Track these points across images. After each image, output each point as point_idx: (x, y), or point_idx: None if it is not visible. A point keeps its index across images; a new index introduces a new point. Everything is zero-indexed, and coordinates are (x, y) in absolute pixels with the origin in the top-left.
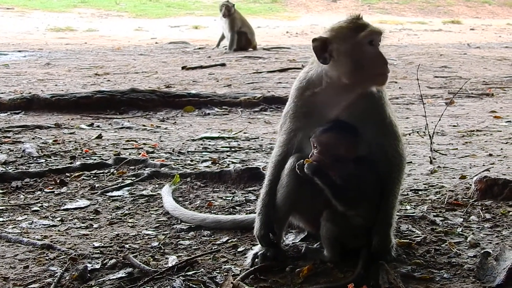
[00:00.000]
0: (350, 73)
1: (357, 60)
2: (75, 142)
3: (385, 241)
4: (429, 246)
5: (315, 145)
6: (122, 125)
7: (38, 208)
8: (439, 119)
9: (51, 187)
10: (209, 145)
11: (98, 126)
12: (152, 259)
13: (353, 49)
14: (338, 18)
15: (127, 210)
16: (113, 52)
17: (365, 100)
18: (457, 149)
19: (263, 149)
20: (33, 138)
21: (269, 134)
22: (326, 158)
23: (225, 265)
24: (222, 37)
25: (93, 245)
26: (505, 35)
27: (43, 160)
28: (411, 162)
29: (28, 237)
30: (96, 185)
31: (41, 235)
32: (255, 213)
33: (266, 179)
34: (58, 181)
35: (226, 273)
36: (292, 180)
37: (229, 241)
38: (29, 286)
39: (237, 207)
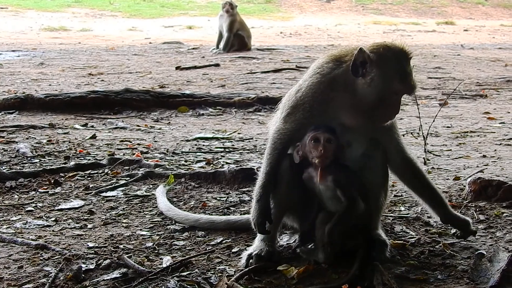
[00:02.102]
0: (366, 99)
1: (379, 98)
2: (69, 142)
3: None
4: (423, 247)
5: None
6: (116, 125)
7: (32, 208)
8: (433, 120)
9: (45, 187)
10: (203, 145)
11: (92, 126)
12: (146, 260)
13: (384, 89)
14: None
15: (121, 210)
16: (107, 52)
17: None
18: (451, 150)
19: (257, 150)
20: (27, 138)
21: (263, 134)
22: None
23: (219, 265)
24: (220, 37)
25: (88, 245)
26: (499, 36)
27: (37, 160)
28: None
29: (22, 237)
30: (90, 185)
31: (35, 235)
32: (249, 213)
33: (264, 166)
34: (52, 181)
35: (221, 274)
36: (287, 180)
37: (224, 241)
38: (23, 286)
39: (231, 208)
